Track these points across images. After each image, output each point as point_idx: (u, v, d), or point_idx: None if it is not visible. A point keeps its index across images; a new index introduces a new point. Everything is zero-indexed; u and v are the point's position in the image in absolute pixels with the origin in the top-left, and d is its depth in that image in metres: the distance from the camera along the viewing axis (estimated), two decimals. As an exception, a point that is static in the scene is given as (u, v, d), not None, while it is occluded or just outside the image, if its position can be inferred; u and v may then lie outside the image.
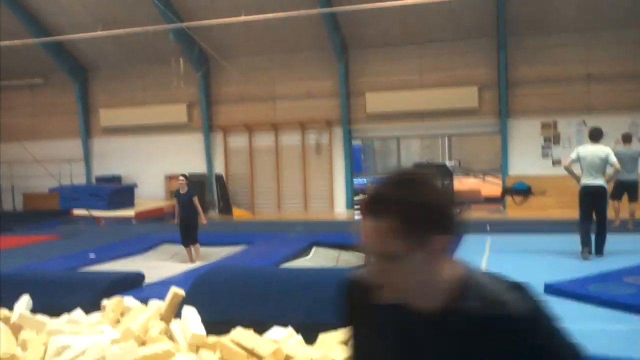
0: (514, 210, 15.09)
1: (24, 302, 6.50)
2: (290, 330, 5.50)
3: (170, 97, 17.48)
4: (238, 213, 17.15)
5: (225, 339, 5.14)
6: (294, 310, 5.96)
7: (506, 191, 15.50)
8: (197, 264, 10.17)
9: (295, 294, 6.21)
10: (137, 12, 16.28)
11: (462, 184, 21.79)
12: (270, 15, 15.14)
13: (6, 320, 6.20)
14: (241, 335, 5.15)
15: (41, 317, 6.12)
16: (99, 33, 16.35)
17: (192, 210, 10.39)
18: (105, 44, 17.58)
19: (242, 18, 15.28)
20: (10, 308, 6.52)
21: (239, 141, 17.88)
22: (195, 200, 10.47)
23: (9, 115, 20.00)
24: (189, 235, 10.44)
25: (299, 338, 5.41)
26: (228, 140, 17.95)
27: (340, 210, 16.94)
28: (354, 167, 25.58)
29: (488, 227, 12.03)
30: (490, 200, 17.15)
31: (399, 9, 14.93)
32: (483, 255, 8.85)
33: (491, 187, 16.84)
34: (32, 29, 17.05)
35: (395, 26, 15.84)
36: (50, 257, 10.36)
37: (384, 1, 14.42)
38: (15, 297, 6.66)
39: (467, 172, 18.85)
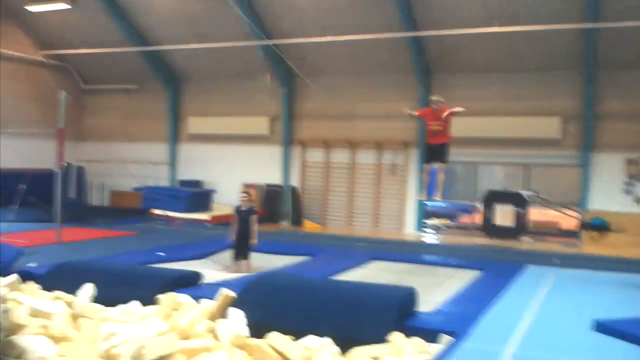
0: (590, 246, 14.60)
1: (88, 290, 7.02)
2: (326, 340, 5.67)
3: (254, 110, 18.11)
4: (309, 225, 17.47)
5: (261, 342, 5.38)
6: (335, 323, 6.14)
7: (583, 225, 15.01)
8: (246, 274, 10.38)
9: (339, 307, 6.39)
10: (230, 28, 17.03)
11: (542, 214, 21.23)
12: (355, 37, 15.53)
13: (70, 305, 6.74)
14: (277, 339, 5.39)
15: (100, 306, 6.60)
16: (193, 45, 17.29)
17: (249, 229, 10.43)
18: (198, 56, 18.51)
19: (329, 38, 15.74)
20: (76, 294, 7.07)
21: (316, 156, 18.27)
22: (254, 218, 10.50)
23: (104, 116, 21.38)
24: (242, 250, 10.50)
25: (335, 349, 5.58)
26: (306, 154, 18.37)
27: (410, 231, 16.92)
28: (431, 190, 25.52)
29: (558, 261, 11.78)
30: (568, 233, 16.61)
31: (485, 36, 14.87)
32: (543, 286, 8.69)
33: (571, 220, 16.32)
34: (132, 39, 18.19)
35: (480, 53, 15.76)
36: (125, 251, 11.01)
37: (469, 27, 14.46)
38: (81, 284, 7.21)
39: (545, 204, 18.31)
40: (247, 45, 16.72)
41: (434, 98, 10.50)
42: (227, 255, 11.04)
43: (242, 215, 10.64)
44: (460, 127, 16.15)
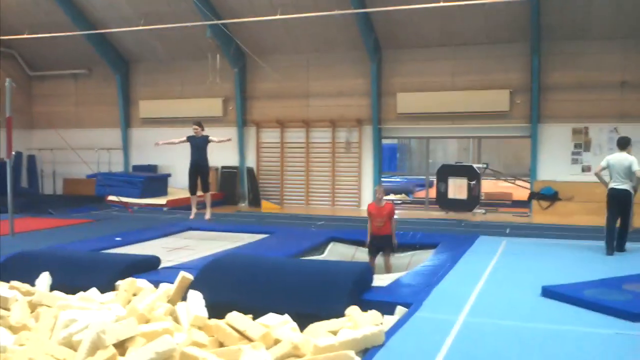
0: (540, 215, 15.09)
1: (44, 279, 6.98)
2: (285, 317, 5.79)
3: (206, 91, 17.96)
4: (267, 206, 17.54)
5: (220, 322, 5.47)
6: (293, 300, 6.28)
7: (533, 195, 15.47)
8: (207, 217, 10.19)
9: (296, 284, 6.52)
10: (178, 8, 16.83)
11: (494, 186, 21.79)
12: (305, 15, 15.49)
13: (28, 294, 6.69)
14: (235, 318, 5.47)
15: (58, 294, 6.58)
16: (140, 27, 16.97)
17: (205, 158, 10.20)
18: (146, 38, 18.23)
19: (278, 17, 15.66)
20: (33, 284, 7.02)
21: (271, 136, 18.29)
22: (215, 139, 10.32)
23: (53, 103, 20.92)
24: (198, 182, 10.29)
25: (294, 325, 5.71)
26: (260, 135, 18.37)
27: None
28: (389, 166, 25.86)
29: (507, 230, 12.18)
30: (520, 203, 17.12)
31: (433, 11, 15.06)
32: (494, 256, 8.98)
33: (524, 191, 16.81)
34: (78, 22, 17.78)
35: (429, 28, 15.97)
36: (80, 239, 10.90)
37: (418, 3, 14.60)
38: (38, 274, 7.16)
39: (496, 175, 18.79)
40: (195, 25, 16.52)
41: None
42: (188, 234, 11.07)
43: (197, 141, 10.30)
44: (410, 102, 16.49)
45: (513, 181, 18.17)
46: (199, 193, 11.88)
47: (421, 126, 16.85)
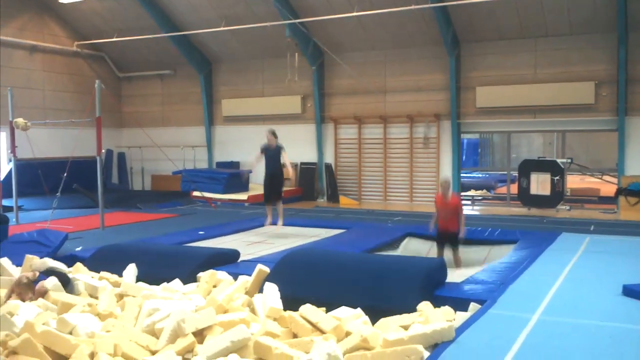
0: (627, 212, 14.46)
1: (131, 270, 7.39)
2: (358, 311, 5.90)
3: (286, 89, 18.28)
4: (345, 201, 17.69)
5: (294, 314, 5.64)
6: (365, 294, 6.37)
7: (620, 191, 14.86)
8: (280, 224, 10.45)
9: (369, 279, 6.61)
10: (258, 9, 17.23)
11: (580, 182, 21.04)
12: (382, 11, 15.54)
13: (115, 284, 7.11)
14: (309, 311, 5.62)
15: (143, 284, 6.95)
16: (222, 28, 17.52)
17: (280, 167, 10.17)
18: (227, 38, 18.77)
19: (355, 14, 15.78)
20: (120, 274, 7.45)
21: (349, 133, 18.42)
22: (285, 154, 10.21)
23: (141, 103, 21.89)
24: (274, 191, 10.29)
25: (366, 319, 5.81)
26: (338, 131, 18.53)
27: (446, 204, 16.96)
28: (469, 161, 25.45)
29: (592, 228, 11.78)
30: (607, 200, 16.46)
31: (512, 3, 14.73)
32: (575, 254, 8.74)
33: (612, 186, 16.14)
34: (163, 25, 18.53)
35: (508, 20, 15.61)
36: (166, 232, 11.41)
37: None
38: (126, 265, 7.58)
39: (582, 170, 18.12)
40: (274, 25, 16.87)
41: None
42: (267, 229, 11.34)
43: (271, 152, 10.26)
44: (489, 96, 16.19)
45: (600, 176, 17.48)
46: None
47: (502, 120, 16.50)
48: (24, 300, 6.43)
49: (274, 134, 10.71)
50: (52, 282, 6.72)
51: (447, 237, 9.53)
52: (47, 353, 4.88)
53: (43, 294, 6.58)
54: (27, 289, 6.67)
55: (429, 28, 16.33)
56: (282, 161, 10.55)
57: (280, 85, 18.37)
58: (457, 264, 9.48)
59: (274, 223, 11.31)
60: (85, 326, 5.45)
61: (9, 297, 6.57)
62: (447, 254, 9.49)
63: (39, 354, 4.82)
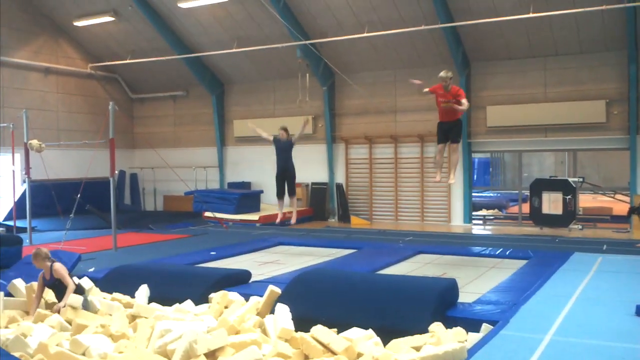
0: (641, 231, 14.37)
1: (143, 291, 7.43)
2: (369, 332, 5.90)
3: (297, 109, 18.38)
4: (356, 221, 17.69)
5: (305, 335, 5.65)
6: (377, 315, 6.37)
7: (633, 210, 14.76)
8: (293, 222, 10.65)
9: (380, 299, 6.61)
10: (269, 30, 17.43)
11: (593, 201, 20.92)
12: (392, 32, 15.67)
13: (128, 306, 7.15)
14: (320, 332, 5.64)
15: (155, 305, 6.99)
16: (234, 50, 17.71)
17: (291, 162, 10.29)
18: (239, 60, 18.96)
19: (366, 34, 15.92)
20: (133, 295, 7.49)
21: (359, 152, 18.48)
22: (294, 140, 10.41)
23: (153, 123, 22.11)
24: (285, 187, 10.38)
25: (378, 340, 5.80)
26: (349, 151, 18.60)
27: (458, 223, 16.95)
28: (481, 181, 25.39)
29: (604, 247, 11.71)
30: (620, 219, 16.34)
31: (522, 22, 14.80)
32: (587, 273, 8.68)
33: (625, 205, 16.03)
34: (176, 47, 18.77)
35: (518, 39, 15.68)
36: (178, 253, 11.46)
37: (506, 15, 14.42)
38: (138, 286, 7.62)
39: (594, 189, 18.03)
40: (286, 46, 17.05)
41: (442, 74, 9.62)
42: (279, 249, 11.34)
43: (282, 145, 10.38)
44: (500, 115, 16.21)
45: (612, 195, 17.38)
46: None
47: (513, 139, 16.51)
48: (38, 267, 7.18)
49: (285, 130, 10.80)
50: (77, 301, 6.75)
51: (448, 127, 9.82)
52: (60, 374, 4.92)
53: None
54: (43, 260, 7.20)
55: (439, 48, 16.43)
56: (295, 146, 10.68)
57: (292, 106, 18.50)
58: (454, 163, 10.10)
59: (288, 223, 11.28)
60: (98, 347, 5.49)
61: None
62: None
63: (52, 375, 4.86)
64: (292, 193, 10.47)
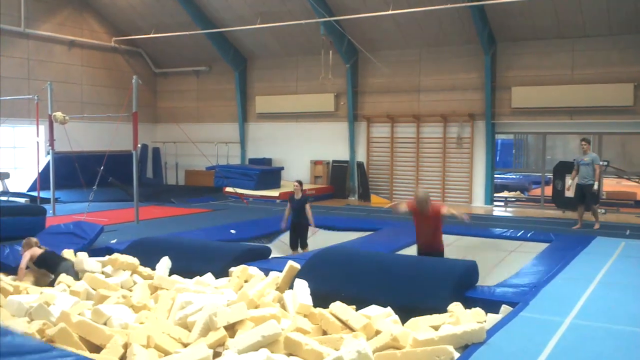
0: (666, 217, 14.14)
1: (164, 263, 7.51)
2: (388, 310, 5.91)
3: (319, 87, 18.31)
4: (376, 200, 17.65)
5: (324, 311, 5.67)
6: (396, 293, 6.37)
7: (658, 196, 14.53)
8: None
9: (400, 278, 6.61)
10: (293, 6, 17.30)
11: (618, 185, 20.63)
12: (417, 9, 15.45)
13: (149, 277, 7.23)
14: (339, 308, 5.65)
15: (176, 277, 7.05)
16: (257, 26, 17.62)
17: (304, 217, 10.40)
18: (262, 35, 18.87)
19: (390, 12, 15.72)
20: (154, 267, 7.57)
21: (381, 131, 18.37)
22: (308, 207, 10.47)
23: (177, 98, 22.18)
24: (298, 239, 10.48)
25: (396, 318, 5.81)
26: (371, 129, 18.50)
27: (479, 204, 16.84)
28: (503, 162, 25.14)
29: (627, 232, 11.57)
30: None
31: (550, 2, 14.51)
32: (609, 258, 8.60)
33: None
34: (199, 21, 18.73)
35: (546, 19, 15.39)
36: (199, 227, 11.54)
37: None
38: (159, 259, 7.70)
39: (618, 173, 17.76)
40: (309, 22, 16.92)
41: (419, 194, 7.97)
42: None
43: (296, 205, 10.54)
44: (525, 97, 15.99)
45: (637, 180, 17.13)
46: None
47: (537, 121, 16.29)
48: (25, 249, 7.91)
49: (300, 183, 10.83)
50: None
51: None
52: (82, 342, 5.00)
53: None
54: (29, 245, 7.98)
55: (465, 27, 16.19)
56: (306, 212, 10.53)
57: (314, 83, 18.42)
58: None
59: None
60: (119, 317, 5.56)
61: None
62: None
63: (74, 343, 4.93)
64: (304, 246, 10.49)
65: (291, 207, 10.65)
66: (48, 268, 7.80)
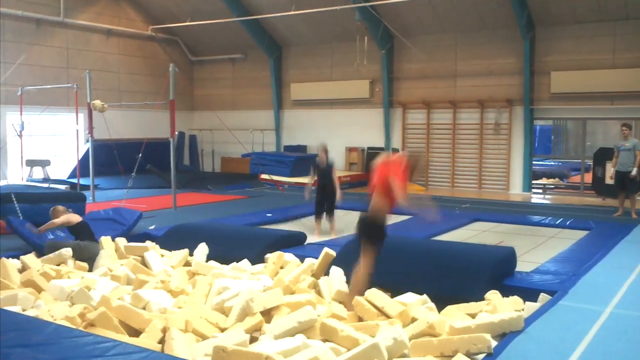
0: None
1: (202, 249, 7.59)
2: (424, 297, 5.88)
3: (354, 73, 18.21)
4: (411, 187, 17.47)
5: (360, 297, 5.67)
6: (432, 280, 6.33)
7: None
8: (333, 235, 9.85)
9: (436, 266, 6.57)
10: (327, -9, 17.21)
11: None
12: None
13: (187, 264, 7.33)
14: (375, 295, 5.65)
15: (213, 263, 7.14)
16: (292, 12, 17.59)
17: (331, 182, 10.12)
18: (297, 22, 18.84)
19: (426, -4, 15.54)
20: (191, 253, 7.67)
21: (417, 118, 18.21)
22: (334, 171, 10.23)
23: (213, 86, 22.34)
24: (324, 207, 10.18)
25: (432, 305, 5.78)
26: (407, 116, 18.36)
27: (517, 192, 16.61)
28: (541, 148, 24.72)
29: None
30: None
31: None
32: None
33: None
34: (235, 9, 18.78)
35: (587, 2, 15.02)
36: (235, 213, 11.65)
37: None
38: (197, 245, 7.79)
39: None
40: (344, 8, 16.81)
41: None
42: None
43: (322, 170, 10.31)
44: (565, 81, 15.66)
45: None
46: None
47: (577, 107, 15.95)
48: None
49: (325, 150, 10.62)
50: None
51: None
52: (121, 327, 5.10)
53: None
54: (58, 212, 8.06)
55: (502, 10, 15.90)
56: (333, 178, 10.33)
57: (349, 69, 18.33)
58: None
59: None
60: (158, 302, 5.66)
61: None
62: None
63: (114, 327, 5.04)
64: (331, 213, 10.20)
65: (318, 173, 10.47)
66: (83, 238, 7.81)
